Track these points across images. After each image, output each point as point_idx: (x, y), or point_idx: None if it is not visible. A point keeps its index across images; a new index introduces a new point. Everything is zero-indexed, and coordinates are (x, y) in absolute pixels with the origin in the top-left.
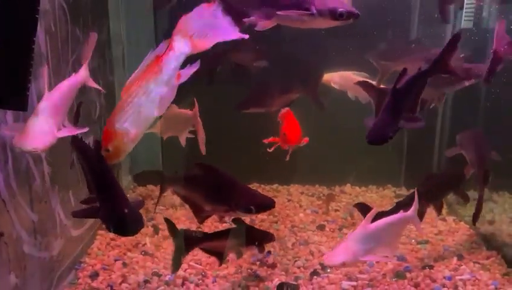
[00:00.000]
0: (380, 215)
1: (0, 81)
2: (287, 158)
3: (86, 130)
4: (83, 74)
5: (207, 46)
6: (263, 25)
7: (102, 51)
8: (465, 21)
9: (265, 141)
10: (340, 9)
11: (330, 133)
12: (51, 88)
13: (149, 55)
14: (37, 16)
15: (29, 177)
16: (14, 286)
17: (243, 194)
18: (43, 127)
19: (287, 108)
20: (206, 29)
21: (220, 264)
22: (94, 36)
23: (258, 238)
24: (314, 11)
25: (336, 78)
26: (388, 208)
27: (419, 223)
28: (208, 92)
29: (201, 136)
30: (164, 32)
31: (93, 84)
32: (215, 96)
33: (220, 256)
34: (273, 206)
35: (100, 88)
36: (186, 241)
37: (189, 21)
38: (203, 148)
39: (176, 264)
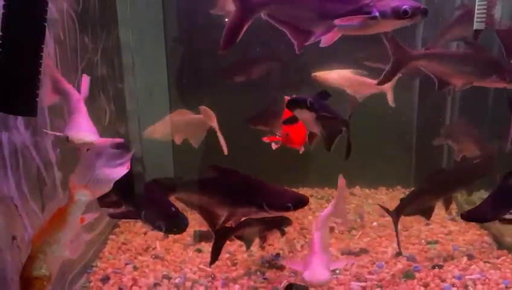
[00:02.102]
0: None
1: (10, 88)
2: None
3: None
4: None
5: (105, 189)
6: (328, 40)
7: (112, 58)
8: (476, 22)
9: (265, 140)
10: (404, 7)
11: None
12: None
13: (50, 206)
14: (45, 23)
15: (41, 182)
16: None
17: (274, 193)
18: None
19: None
20: (99, 173)
21: (248, 249)
22: (86, 79)
23: (278, 223)
24: (377, 14)
25: (334, 75)
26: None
27: (343, 215)
28: (217, 96)
29: (221, 139)
30: (173, 40)
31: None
32: (222, 100)
33: (248, 242)
34: (308, 202)
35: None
36: (223, 233)
37: (82, 170)
38: (225, 149)
39: (216, 256)
